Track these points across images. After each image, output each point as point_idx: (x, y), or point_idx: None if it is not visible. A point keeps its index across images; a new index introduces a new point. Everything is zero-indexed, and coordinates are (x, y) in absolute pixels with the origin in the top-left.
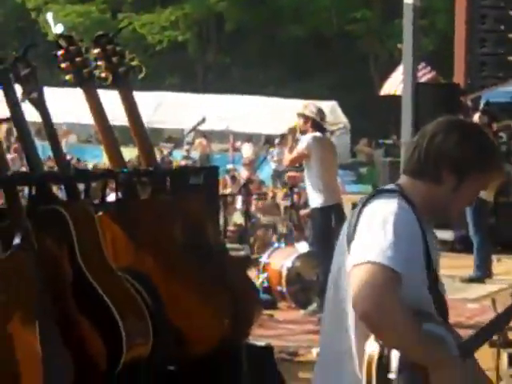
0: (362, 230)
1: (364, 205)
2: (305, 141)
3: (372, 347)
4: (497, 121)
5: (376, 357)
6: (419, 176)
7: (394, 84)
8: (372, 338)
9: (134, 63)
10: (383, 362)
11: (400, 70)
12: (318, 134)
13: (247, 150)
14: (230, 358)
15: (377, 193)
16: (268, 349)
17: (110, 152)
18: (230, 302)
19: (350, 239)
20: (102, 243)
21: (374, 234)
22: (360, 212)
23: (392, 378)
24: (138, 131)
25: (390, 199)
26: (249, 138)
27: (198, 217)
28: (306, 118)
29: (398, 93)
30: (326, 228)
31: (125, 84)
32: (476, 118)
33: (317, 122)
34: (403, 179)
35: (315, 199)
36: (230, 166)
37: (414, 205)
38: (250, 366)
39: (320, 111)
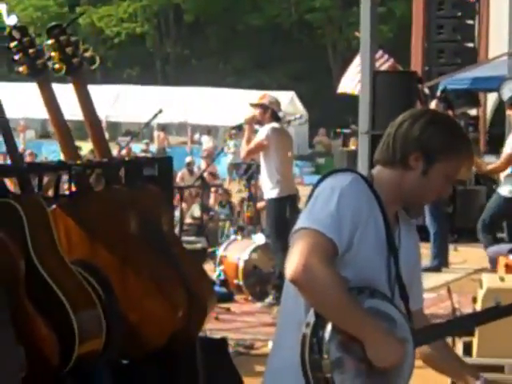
0: (310, 203)
1: (318, 182)
2: (264, 132)
3: (311, 315)
4: (453, 108)
5: (312, 324)
6: (389, 164)
7: (351, 83)
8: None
9: (88, 54)
10: (318, 330)
11: (355, 63)
12: (276, 124)
13: (206, 142)
14: (185, 351)
15: (330, 173)
16: (222, 341)
17: (64, 145)
18: (185, 294)
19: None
20: (55, 236)
21: (317, 204)
22: (313, 189)
23: (324, 343)
24: (91, 122)
25: (344, 175)
26: (208, 130)
27: (152, 208)
28: (264, 108)
29: (357, 93)
30: (281, 219)
31: (79, 74)
32: (433, 105)
33: (275, 113)
34: (375, 169)
35: (271, 190)
36: (188, 159)
37: (370, 183)
38: (204, 359)
39: (277, 102)
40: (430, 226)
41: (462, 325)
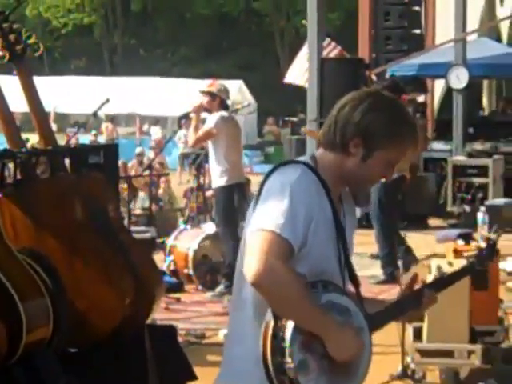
0: (261, 200)
1: (267, 176)
2: (213, 120)
3: (269, 315)
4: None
5: (271, 325)
6: (331, 148)
7: (299, 74)
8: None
9: (31, 41)
10: (278, 331)
11: (303, 53)
12: (224, 112)
13: (155, 132)
14: (133, 339)
15: (280, 165)
16: (171, 329)
17: (8, 133)
18: (132, 281)
19: (254, 209)
20: (1, 224)
21: (270, 202)
22: (263, 184)
23: (286, 346)
24: (36, 111)
25: (292, 169)
26: (156, 120)
27: (98, 196)
28: (213, 95)
29: (305, 85)
30: (230, 207)
31: (22, 62)
32: None
33: (223, 101)
34: (319, 152)
35: (219, 178)
36: (138, 150)
37: (318, 173)
38: (152, 347)
39: (226, 90)
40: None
41: (412, 302)
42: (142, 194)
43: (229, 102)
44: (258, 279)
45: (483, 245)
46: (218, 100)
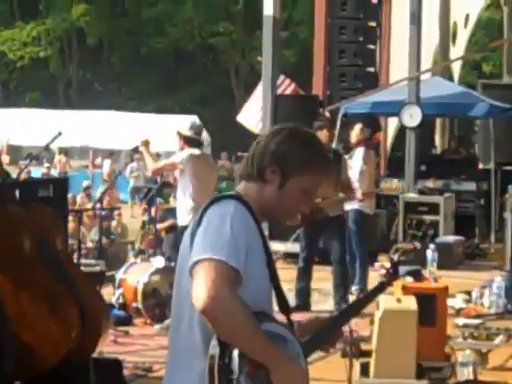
0: (201, 231)
1: (204, 210)
2: (180, 155)
3: (214, 347)
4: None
5: (217, 356)
6: (250, 179)
7: (253, 119)
8: (214, 337)
9: None
10: (225, 362)
11: (256, 96)
12: (195, 150)
13: (107, 165)
14: (78, 372)
15: (215, 199)
16: (116, 363)
17: None
18: (78, 314)
19: (191, 242)
20: None
21: (211, 233)
22: (200, 217)
23: (233, 377)
24: None
25: (227, 202)
26: (109, 153)
27: (47, 229)
28: (179, 135)
29: (253, 128)
30: None
31: None
32: (357, 129)
33: (189, 138)
34: (240, 186)
35: (184, 217)
36: (86, 183)
37: (250, 206)
38: (97, 380)
39: (193, 127)
40: (357, 249)
41: (341, 318)
42: (94, 228)
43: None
44: (207, 307)
45: (432, 282)
46: (183, 139)
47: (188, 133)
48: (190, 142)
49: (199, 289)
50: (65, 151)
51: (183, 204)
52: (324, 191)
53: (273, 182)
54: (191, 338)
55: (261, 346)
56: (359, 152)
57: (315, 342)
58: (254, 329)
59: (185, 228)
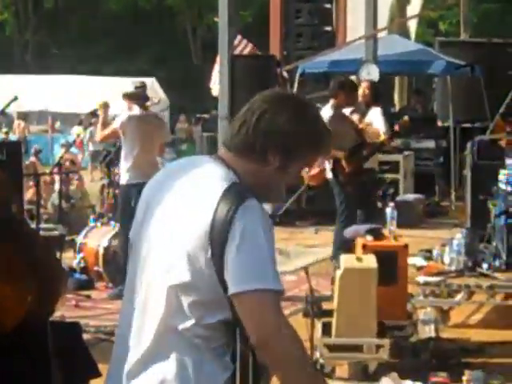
0: (235, 249)
1: (233, 213)
2: (118, 120)
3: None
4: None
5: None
6: (245, 155)
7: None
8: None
9: None
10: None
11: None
12: (135, 112)
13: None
14: (35, 335)
15: (237, 198)
16: (75, 325)
17: None
18: (34, 279)
19: (216, 246)
20: None
21: (249, 254)
22: (229, 227)
23: None
24: None
25: (252, 207)
26: (69, 117)
27: (1, 193)
28: (123, 97)
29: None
30: (126, 205)
31: None
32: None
33: (131, 94)
34: (226, 154)
35: (123, 176)
36: (35, 147)
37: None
38: (55, 343)
39: (137, 83)
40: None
41: None
42: (54, 193)
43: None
44: (268, 342)
45: (392, 240)
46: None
47: (130, 90)
48: (133, 97)
49: (256, 325)
50: (23, 116)
51: (125, 163)
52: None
53: (273, 164)
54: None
55: (313, 378)
56: (376, 112)
57: None
58: (307, 362)
59: (122, 187)
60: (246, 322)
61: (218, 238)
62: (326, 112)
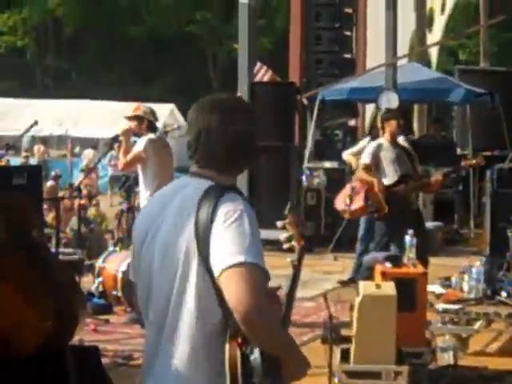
0: (220, 230)
1: (215, 207)
2: (141, 143)
3: (232, 349)
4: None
5: (239, 360)
6: (223, 170)
7: None
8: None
9: None
10: (249, 365)
11: None
12: (152, 135)
13: (88, 154)
14: (54, 361)
15: (218, 192)
16: (92, 349)
17: None
18: (54, 304)
19: (202, 240)
20: None
21: (234, 233)
22: (212, 214)
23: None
24: None
25: (233, 196)
26: (88, 142)
27: (21, 217)
28: (140, 119)
29: None
30: None
31: None
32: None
33: (151, 123)
34: (197, 168)
35: (145, 201)
36: (54, 172)
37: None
38: (75, 368)
39: (152, 112)
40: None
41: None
42: (74, 217)
43: (159, 125)
44: (250, 318)
45: (411, 268)
46: (146, 123)
47: (151, 117)
48: (151, 127)
49: (241, 296)
50: (43, 140)
51: (145, 188)
52: None
53: (234, 166)
54: (192, 337)
55: (291, 347)
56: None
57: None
58: (284, 331)
59: None
60: (228, 297)
61: (202, 233)
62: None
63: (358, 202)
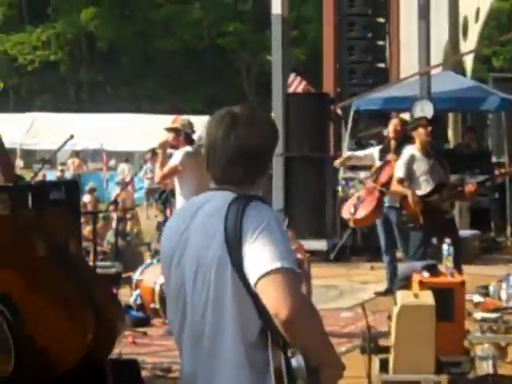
0: (251, 242)
1: (242, 213)
2: (178, 156)
3: (276, 357)
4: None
5: (283, 367)
6: (242, 184)
7: None
8: (270, 348)
9: None
10: (292, 369)
11: None
12: (189, 148)
13: (122, 168)
14: (95, 373)
15: (244, 200)
16: (133, 363)
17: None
18: (94, 317)
19: (235, 252)
20: None
21: (267, 240)
22: (240, 222)
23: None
24: None
25: (259, 206)
26: (125, 157)
27: (59, 231)
28: (177, 131)
29: None
30: None
31: None
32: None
33: (188, 135)
34: (233, 193)
35: None
36: (90, 185)
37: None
38: (115, 381)
39: (190, 124)
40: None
41: None
42: (111, 230)
43: (195, 136)
44: (296, 317)
45: (449, 277)
46: (183, 135)
47: (188, 130)
48: (188, 139)
49: (282, 301)
50: (78, 154)
51: (181, 201)
52: None
53: (259, 183)
54: (234, 348)
55: (330, 348)
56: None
57: None
58: (325, 332)
59: None
60: (268, 303)
61: (232, 243)
62: (411, 151)
63: (362, 211)
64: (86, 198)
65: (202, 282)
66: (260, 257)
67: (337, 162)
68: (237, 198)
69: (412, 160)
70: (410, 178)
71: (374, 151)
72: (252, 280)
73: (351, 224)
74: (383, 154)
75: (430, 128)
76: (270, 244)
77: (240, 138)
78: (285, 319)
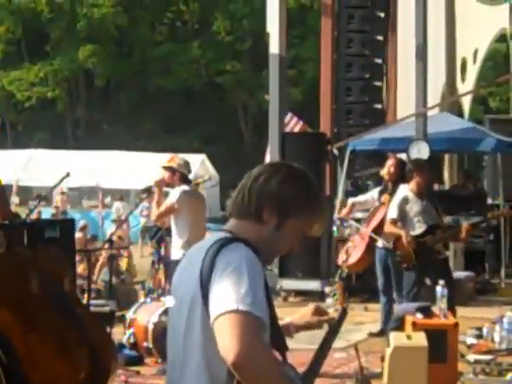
0: (217, 279)
1: (215, 254)
2: (175, 195)
3: None
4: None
5: None
6: (244, 217)
7: None
8: None
9: None
10: None
11: None
12: (186, 187)
13: (117, 206)
14: None
15: (222, 242)
16: None
17: None
18: (87, 355)
19: (204, 288)
20: None
21: (231, 281)
22: (212, 261)
23: None
24: None
25: (237, 246)
26: (120, 196)
27: (54, 270)
28: (173, 170)
29: None
30: None
31: None
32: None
33: (184, 175)
34: (231, 223)
35: (179, 252)
36: (82, 223)
37: (255, 248)
38: None
39: (186, 163)
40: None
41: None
42: (104, 268)
43: (190, 176)
44: (240, 362)
45: (442, 319)
46: (179, 174)
47: (184, 170)
48: (184, 178)
49: (230, 343)
50: (63, 191)
51: (179, 239)
52: None
53: (269, 224)
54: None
55: None
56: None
57: (312, 371)
58: (284, 379)
59: (177, 263)
60: (218, 344)
61: (204, 282)
62: (404, 192)
63: (354, 257)
64: (78, 235)
65: (180, 316)
66: (221, 296)
67: (343, 214)
68: (221, 238)
69: (405, 201)
70: (402, 219)
71: (373, 193)
72: (211, 320)
73: (346, 270)
74: (382, 194)
75: (427, 175)
76: (233, 284)
77: (277, 183)
78: (231, 363)
